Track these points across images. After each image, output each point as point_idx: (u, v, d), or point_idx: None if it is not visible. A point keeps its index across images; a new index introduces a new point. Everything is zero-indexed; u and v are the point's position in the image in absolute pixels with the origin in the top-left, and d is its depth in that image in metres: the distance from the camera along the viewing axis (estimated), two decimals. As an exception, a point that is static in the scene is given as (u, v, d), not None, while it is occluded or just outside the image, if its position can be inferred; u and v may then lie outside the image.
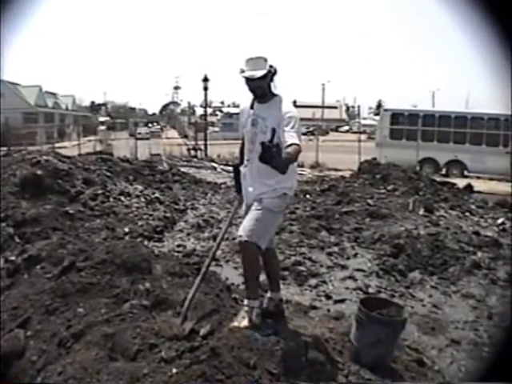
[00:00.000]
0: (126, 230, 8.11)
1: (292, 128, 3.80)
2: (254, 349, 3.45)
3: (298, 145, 3.71)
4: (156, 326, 3.66)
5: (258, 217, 3.96)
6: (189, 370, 3.13)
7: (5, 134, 26.21)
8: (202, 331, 3.58)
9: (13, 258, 5.56)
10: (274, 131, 3.45)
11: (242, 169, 4.36)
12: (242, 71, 3.95)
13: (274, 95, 4.13)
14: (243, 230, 3.96)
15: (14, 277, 5.00)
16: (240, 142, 4.57)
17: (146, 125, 65.55)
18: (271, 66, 3.98)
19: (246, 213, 4.22)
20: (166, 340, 3.49)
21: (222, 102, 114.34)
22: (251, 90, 4.06)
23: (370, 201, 11.14)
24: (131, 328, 3.62)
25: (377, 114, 51.56)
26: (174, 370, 3.15)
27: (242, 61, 3.96)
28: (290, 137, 3.75)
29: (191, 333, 3.55)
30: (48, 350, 3.65)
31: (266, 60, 3.95)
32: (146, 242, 7.53)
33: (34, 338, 3.85)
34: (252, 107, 4.20)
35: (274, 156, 3.25)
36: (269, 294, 4.63)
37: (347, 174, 17.01)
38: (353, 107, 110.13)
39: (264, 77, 3.93)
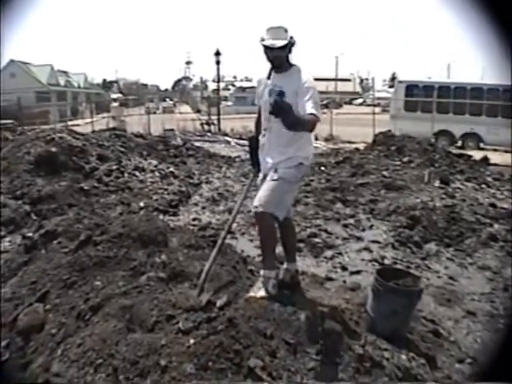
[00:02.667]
0: (141, 204, 8.15)
1: (310, 98, 3.76)
2: (270, 319, 3.48)
3: (316, 115, 3.69)
4: (173, 298, 3.69)
5: (274, 187, 3.93)
6: (206, 341, 3.16)
7: (18, 114, 26.26)
8: (219, 302, 3.60)
9: (30, 234, 5.61)
10: (282, 93, 3.53)
11: (260, 138, 4.31)
12: (262, 40, 3.89)
13: (292, 65, 4.07)
14: (259, 200, 3.93)
15: (32, 252, 5.05)
16: (256, 114, 4.53)
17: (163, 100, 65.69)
18: (291, 37, 3.91)
19: (262, 183, 4.20)
20: (183, 311, 3.52)
21: (235, 77, 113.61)
22: (270, 59, 4.01)
23: (385, 173, 11.09)
24: (148, 300, 3.66)
25: (391, 87, 50.96)
26: (192, 341, 3.18)
27: (263, 30, 3.92)
28: (309, 107, 3.72)
29: (208, 304, 3.57)
30: (67, 322, 3.69)
31: (286, 30, 3.89)
32: (161, 216, 7.56)
33: (52, 311, 3.89)
34: (269, 78, 4.15)
35: (284, 109, 3.27)
36: (285, 265, 4.63)
37: (361, 146, 16.89)
38: (367, 80, 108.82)
39: (284, 47, 3.88)
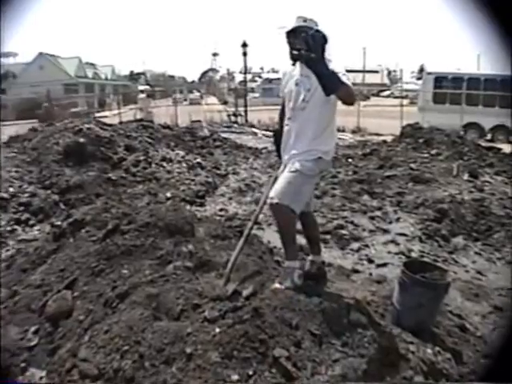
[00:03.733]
0: (168, 194, 8.20)
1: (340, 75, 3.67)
2: (296, 309, 3.47)
3: (348, 86, 3.68)
4: (199, 287, 3.71)
5: (290, 179, 3.92)
6: (232, 330, 3.17)
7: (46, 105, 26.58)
8: (245, 292, 3.61)
9: (58, 222, 5.68)
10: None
11: (284, 128, 4.27)
12: (283, 27, 3.87)
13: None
14: (274, 191, 3.93)
15: (60, 241, 5.11)
16: (280, 106, 4.52)
17: (190, 91, 65.97)
18: (317, 31, 3.76)
19: (282, 170, 4.20)
20: (210, 300, 3.53)
21: (262, 68, 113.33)
22: (290, 49, 3.93)
23: (412, 165, 10.96)
24: (175, 289, 3.68)
25: (419, 79, 50.24)
26: (218, 330, 3.19)
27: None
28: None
29: (234, 293, 3.58)
30: (94, 309, 3.74)
31: (305, 20, 3.86)
32: (188, 207, 7.59)
33: (80, 298, 3.94)
34: (295, 71, 4.11)
35: (318, 60, 3.43)
36: (310, 257, 4.63)
37: (389, 138, 16.74)
38: (394, 71, 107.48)
39: (305, 39, 3.64)
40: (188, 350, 3.04)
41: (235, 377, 2.89)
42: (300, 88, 4.01)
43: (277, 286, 3.97)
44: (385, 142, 15.68)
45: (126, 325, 3.32)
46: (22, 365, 3.49)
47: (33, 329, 3.83)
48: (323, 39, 3.76)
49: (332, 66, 3.75)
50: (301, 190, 3.99)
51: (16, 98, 42.55)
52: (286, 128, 4.21)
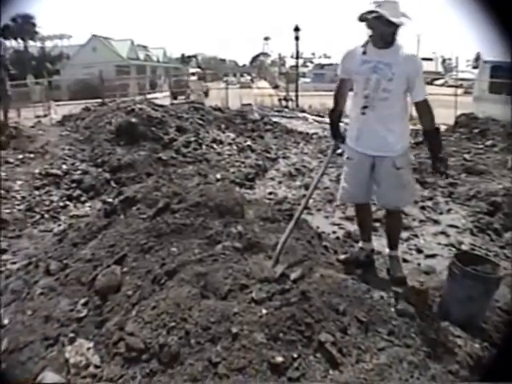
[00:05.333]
0: (218, 176, 8.22)
1: (422, 82, 3.86)
2: (344, 295, 3.46)
3: (426, 101, 3.91)
4: (247, 268, 3.72)
5: (402, 182, 4.19)
6: (279, 312, 3.18)
7: (99, 86, 27.06)
8: (293, 275, 3.60)
9: (110, 199, 5.77)
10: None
11: (352, 115, 4.25)
12: (374, 12, 3.67)
13: (393, 42, 3.88)
14: (396, 200, 4.30)
15: (111, 217, 5.20)
16: (337, 85, 4.40)
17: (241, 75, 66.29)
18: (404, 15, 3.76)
19: (349, 157, 4.29)
20: (257, 282, 3.55)
21: (313, 54, 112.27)
22: (379, 33, 3.81)
23: (466, 156, 10.69)
24: (223, 268, 3.70)
25: (475, 68, 49.08)
26: (264, 311, 3.21)
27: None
28: (421, 90, 3.87)
29: (282, 276, 3.58)
30: (142, 285, 3.79)
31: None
32: (237, 189, 7.60)
33: (129, 274, 4.00)
34: (365, 52, 3.94)
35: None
36: (360, 244, 4.62)
37: (442, 128, 16.39)
38: (449, 59, 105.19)
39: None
40: (234, 330, 3.07)
41: (279, 359, 2.90)
42: (379, 76, 3.88)
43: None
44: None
45: (173, 302, 3.35)
46: (71, 335, 3.56)
47: (82, 301, 3.91)
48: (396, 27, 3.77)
49: (411, 56, 3.88)
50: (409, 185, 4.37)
51: (70, 79, 43.43)
52: (360, 115, 4.11)
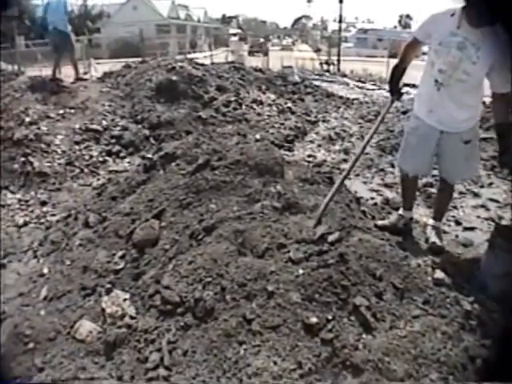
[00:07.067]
0: (258, 136, 8.17)
1: (508, 69, 3.37)
2: (381, 260, 3.42)
3: (507, 95, 3.58)
4: (286, 228, 3.69)
5: (467, 155, 4.09)
6: (315, 273, 3.16)
7: (139, 44, 27.10)
8: (331, 237, 3.55)
9: (149, 155, 5.79)
10: None
11: (424, 86, 4.11)
12: None
13: (491, 23, 3.43)
14: (456, 173, 4.31)
15: (150, 172, 5.22)
16: (410, 42, 4.19)
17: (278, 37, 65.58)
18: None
19: (415, 128, 4.19)
20: (295, 242, 3.52)
21: (356, 18, 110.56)
22: (478, 9, 3.46)
23: (511, 129, 10.41)
24: (261, 227, 3.68)
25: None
26: (301, 271, 3.19)
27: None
28: (505, 82, 3.46)
29: (320, 238, 3.54)
30: (180, 240, 3.81)
31: None
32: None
33: (167, 228, 4.03)
34: (458, 26, 3.61)
35: None
36: (400, 211, 4.58)
37: (488, 100, 15.97)
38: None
39: None
40: (269, 288, 3.07)
41: (314, 319, 2.90)
42: (463, 55, 3.60)
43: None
44: (484, 103, 14.97)
45: (210, 257, 3.36)
46: (108, 286, 3.62)
47: (120, 253, 3.97)
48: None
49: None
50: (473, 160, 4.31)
51: (110, 38, 43.52)
52: (434, 91, 3.90)
